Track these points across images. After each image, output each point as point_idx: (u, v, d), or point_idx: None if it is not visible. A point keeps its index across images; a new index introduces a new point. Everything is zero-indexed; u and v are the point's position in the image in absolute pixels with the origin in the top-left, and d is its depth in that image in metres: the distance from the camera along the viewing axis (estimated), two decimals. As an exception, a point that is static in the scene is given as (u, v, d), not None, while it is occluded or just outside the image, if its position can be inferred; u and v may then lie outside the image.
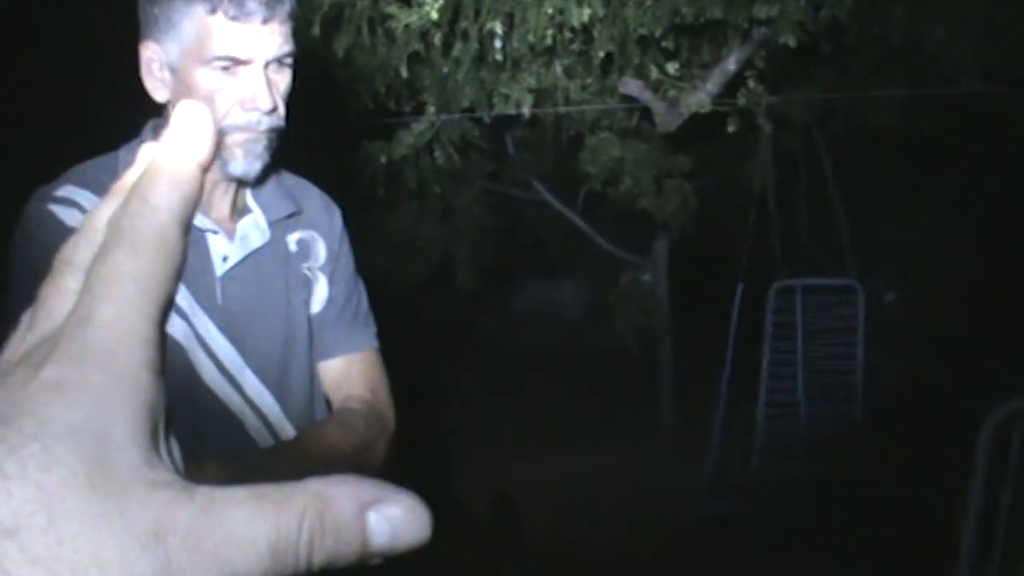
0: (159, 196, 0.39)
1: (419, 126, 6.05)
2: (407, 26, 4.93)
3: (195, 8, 1.50)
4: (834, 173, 7.64)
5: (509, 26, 5.11)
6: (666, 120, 4.90)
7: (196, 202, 0.41)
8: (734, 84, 5.12)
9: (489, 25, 5.02)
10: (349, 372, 1.84)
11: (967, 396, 4.57)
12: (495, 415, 8.02)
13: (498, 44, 5.13)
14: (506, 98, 5.69)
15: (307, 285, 1.74)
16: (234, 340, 1.62)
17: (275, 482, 0.35)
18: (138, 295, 0.37)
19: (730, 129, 5.04)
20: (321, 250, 1.76)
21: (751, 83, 4.88)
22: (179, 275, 0.39)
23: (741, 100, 4.85)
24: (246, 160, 1.59)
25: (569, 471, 6.53)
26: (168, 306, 0.38)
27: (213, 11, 1.49)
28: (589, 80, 5.68)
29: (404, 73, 5.36)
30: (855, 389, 5.73)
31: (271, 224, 1.69)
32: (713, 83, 4.82)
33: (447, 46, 5.38)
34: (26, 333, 0.40)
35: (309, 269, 1.74)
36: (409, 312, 8.62)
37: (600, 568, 5.05)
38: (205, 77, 1.54)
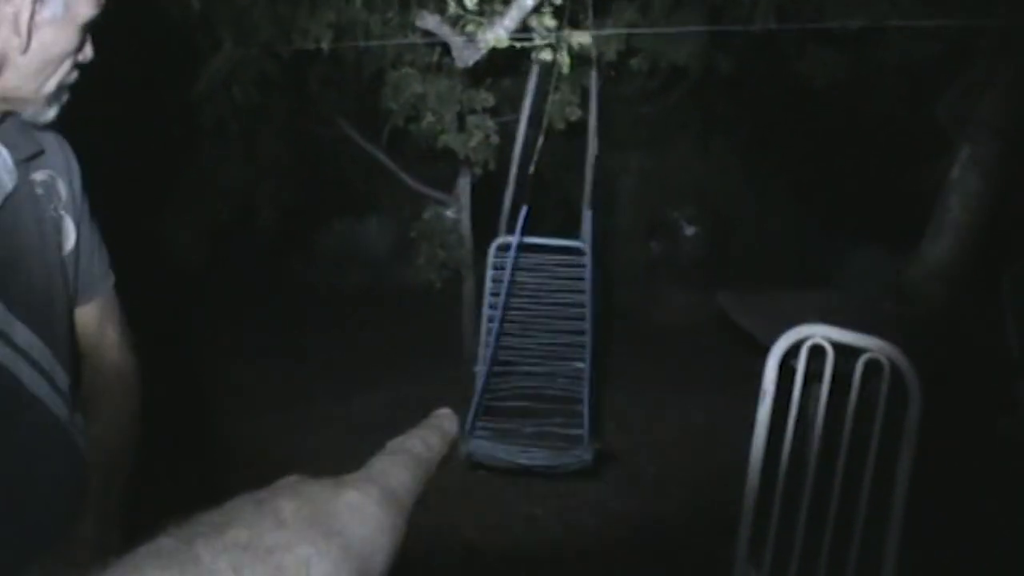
0: None
1: (216, 62, 5.90)
2: (200, -42, 4.80)
3: None
4: (630, 109, 7.82)
5: (306, -41, 5.03)
6: (464, 55, 4.90)
7: None
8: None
9: (285, -42, 4.93)
10: (103, 317, 1.89)
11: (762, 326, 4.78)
12: (301, 355, 7.99)
13: (295, -23, 5.05)
14: (305, 33, 5.61)
15: (56, 226, 1.69)
16: None
17: None
18: None
19: (541, 58, 5.03)
20: (63, 190, 1.72)
21: (548, 19, 4.93)
22: None
23: (538, 36, 4.90)
24: (55, 109, 1.60)
25: (376, 408, 6.57)
26: None
27: None
28: (389, 15, 5.64)
29: (197, 6, 5.22)
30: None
31: (17, 164, 1.61)
32: (511, 18, 4.84)
33: (243, -21, 5.26)
34: None
35: (55, 210, 1.69)
36: (212, 253, 8.46)
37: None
38: (72, 37, 1.52)
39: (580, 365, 5.15)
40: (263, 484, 0.65)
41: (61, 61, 1.53)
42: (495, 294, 5.12)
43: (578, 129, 6.21)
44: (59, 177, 1.71)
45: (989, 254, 5.48)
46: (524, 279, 5.41)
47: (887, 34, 5.83)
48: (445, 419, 0.78)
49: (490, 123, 5.91)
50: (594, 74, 5.17)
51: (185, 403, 5.97)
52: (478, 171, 6.07)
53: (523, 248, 5.19)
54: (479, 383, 4.86)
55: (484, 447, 4.67)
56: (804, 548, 3.28)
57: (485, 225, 7.45)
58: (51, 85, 1.55)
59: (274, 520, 0.58)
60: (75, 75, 1.59)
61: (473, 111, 5.90)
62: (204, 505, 0.61)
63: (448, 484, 5.10)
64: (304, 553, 0.57)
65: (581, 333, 5.19)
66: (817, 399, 3.32)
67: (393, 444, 0.72)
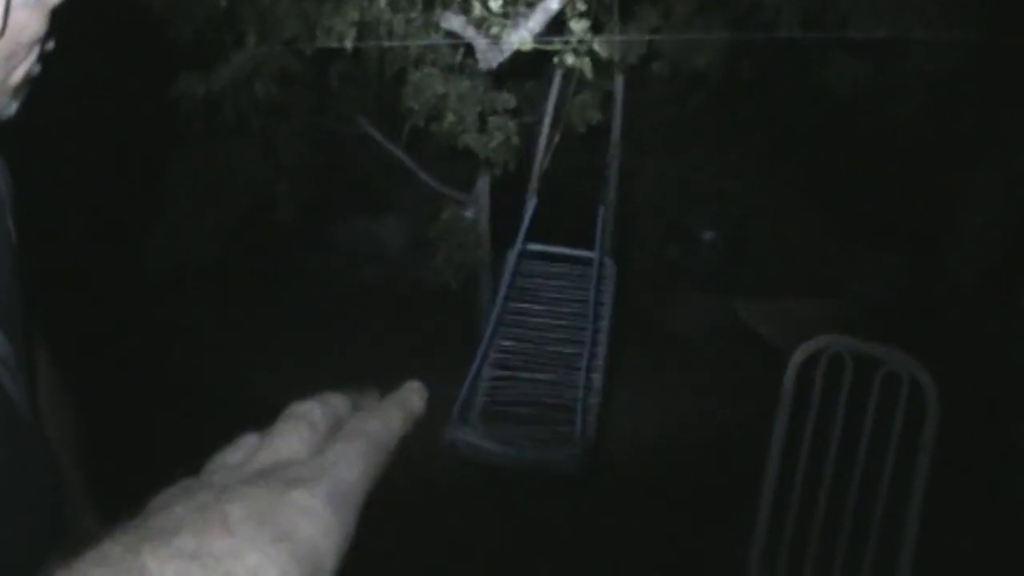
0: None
1: (239, 58, 5.91)
2: (227, -46, 4.81)
3: None
4: (650, 113, 7.80)
5: (332, -43, 5.03)
6: (488, 57, 4.91)
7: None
8: (557, 23, 5.15)
9: (311, -45, 4.93)
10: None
11: (779, 335, 4.78)
12: (315, 351, 7.99)
13: (320, -25, 5.05)
14: (328, 31, 5.61)
15: (7, 230, 1.68)
16: None
17: None
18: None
19: (557, 61, 5.04)
20: (3, 188, 1.69)
21: (573, 22, 4.93)
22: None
23: (563, 39, 4.90)
24: (17, 103, 1.54)
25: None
26: None
27: None
28: (413, 15, 5.64)
29: (223, 2, 5.23)
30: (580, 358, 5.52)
31: None
32: (536, 21, 4.85)
33: (269, -25, 5.27)
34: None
35: (2, 213, 1.67)
36: (228, 247, 8.47)
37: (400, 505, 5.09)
38: (42, 23, 1.47)
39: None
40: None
41: (30, 49, 1.46)
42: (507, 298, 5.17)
43: (594, 132, 6.21)
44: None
45: (1008, 264, 5.47)
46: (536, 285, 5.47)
47: (911, 43, 5.82)
48: (412, 394, 0.77)
49: (511, 125, 5.91)
50: (618, 78, 5.16)
51: (192, 399, 5.99)
52: (499, 172, 6.07)
53: (537, 256, 5.27)
54: (472, 370, 4.89)
55: (471, 441, 4.68)
56: (818, 559, 3.27)
57: (504, 226, 7.45)
58: (18, 75, 1.47)
59: (222, 526, 0.58)
60: (39, 68, 1.53)
61: (495, 112, 5.90)
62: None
63: (432, 481, 5.11)
64: (253, 561, 0.57)
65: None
66: (835, 409, 3.31)
67: (352, 425, 0.71)
